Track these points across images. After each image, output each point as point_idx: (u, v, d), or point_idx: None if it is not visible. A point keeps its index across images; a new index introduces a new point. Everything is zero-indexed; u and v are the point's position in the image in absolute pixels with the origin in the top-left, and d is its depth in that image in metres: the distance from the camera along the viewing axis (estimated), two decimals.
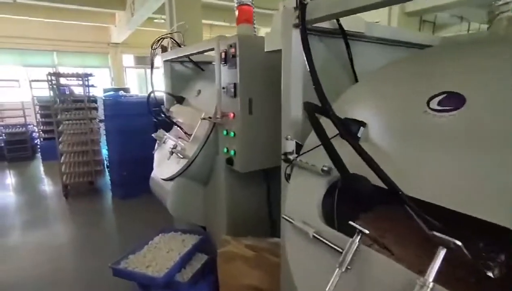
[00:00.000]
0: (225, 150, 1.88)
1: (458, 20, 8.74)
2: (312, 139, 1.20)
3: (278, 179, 2.18)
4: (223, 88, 1.83)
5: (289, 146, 1.21)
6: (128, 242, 3.16)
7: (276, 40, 1.35)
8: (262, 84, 1.78)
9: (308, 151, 1.13)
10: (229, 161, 1.85)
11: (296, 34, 1.23)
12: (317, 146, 1.09)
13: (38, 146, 6.93)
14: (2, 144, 6.48)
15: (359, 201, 0.79)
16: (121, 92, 6.64)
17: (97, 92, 5.88)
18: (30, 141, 6.76)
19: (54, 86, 4.39)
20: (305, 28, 0.95)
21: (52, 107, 4.40)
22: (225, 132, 1.86)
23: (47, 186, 5.03)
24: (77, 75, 4.41)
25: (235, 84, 1.72)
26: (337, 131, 0.87)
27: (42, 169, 6.13)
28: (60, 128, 4.31)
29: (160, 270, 1.91)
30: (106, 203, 4.30)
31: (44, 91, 6.40)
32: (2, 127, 6.52)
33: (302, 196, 1.12)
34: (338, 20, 1.30)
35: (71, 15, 8.53)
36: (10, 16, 8.00)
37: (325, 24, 1.33)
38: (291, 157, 1.19)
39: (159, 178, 2.36)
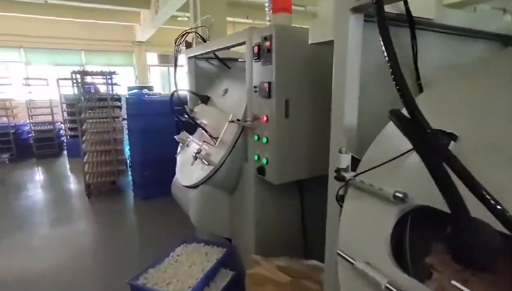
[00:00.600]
0: (256, 157, 1.66)
1: (499, 12, 8.02)
2: (374, 153, 0.96)
3: (314, 191, 1.94)
4: (255, 87, 1.61)
5: (344, 160, 0.97)
6: (149, 246, 3.05)
7: (325, 29, 1.10)
8: (301, 83, 1.54)
9: (371, 169, 0.88)
10: (260, 171, 1.63)
11: (354, 21, 0.98)
12: (388, 161, 0.84)
13: (65, 143, 7.07)
14: (31, 141, 6.65)
15: (476, 257, 0.53)
16: (145, 91, 6.63)
17: (122, 90, 5.89)
18: (57, 139, 6.90)
19: (79, 84, 4.37)
20: (383, 9, 0.70)
21: (76, 105, 4.39)
22: (256, 137, 1.64)
23: (72, 184, 5.06)
24: (101, 73, 4.36)
25: (269, 83, 1.49)
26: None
27: (68, 166, 6.23)
28: (83, 127, 4.28)
29: (182, 289, 1.73)
30: (127, 204, 4.23)
31: (71, 89, 6.52)
32: (32, 125, 6.69)
33: (363, 227, 0.87)
34: (406, 3, 1.04)
35: (98, 14, 8.67)
36: (42, 16, 8.23)
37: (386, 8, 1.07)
38: (346, 175, 0.95)
39: (182, 184, 2.18)
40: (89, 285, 2.51)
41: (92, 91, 5.19)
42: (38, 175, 5.70)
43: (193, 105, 2.59)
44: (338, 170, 0.98)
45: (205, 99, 2.38)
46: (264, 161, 1.60)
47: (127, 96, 4.48)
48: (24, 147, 6.59)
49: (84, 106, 4.32)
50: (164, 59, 11.44)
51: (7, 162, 6.25)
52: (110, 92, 4.39)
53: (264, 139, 1.57)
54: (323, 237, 1.93)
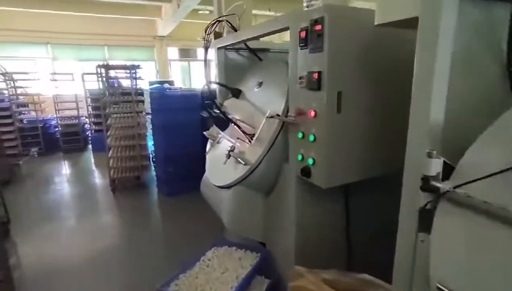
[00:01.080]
0: (300, 157, 1.49)
1: None
2: (477, 157, 0.75)
3: (361, 194, 1.74)
4: (300, 78, 1.42)
5: (434, 166, 0.78)
6: (174, 245, 2.97)
7: (402, 5, 0.90)
8: (355, 72, 1.35)
9: (482, 178, 0.68)
10: (305, 172, 1.45)
11: None
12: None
13: (90, 138, 7.16)
14: (58, 136, 6.78)
15: None
16: (166, 85, 6.58)
17: (144, 85, 5.85)
18: (82, 133, 7.00)
19: (104, 78, 4.34)
20: None
21: (101, 100, 4.36)
22: (300, 135, 1.46)
23: (97, 179, 5.09)
24: (125, 67, 4.31)
25: (319, 73, 1.30)
26: None
27: (92, 160, 6.30)
28: (108, 121, 4.25)
29: None
30: (152, 200, 4.18)
31: (95, 84, 6.58)
32: (59, 119, 6.81)
33: (473, 257, 0.68)
34: None
35: (121, 9, 8.72)
36: (67, 12, 8.36)
37: None
38: (440, 185, 0.75)
39: (213, 184, 2.04)
40: (113, 283, 2.47)
41: (116, 85, 5.17)
42: (65, 169, 5.80)
43: (222, 99, 2.44)
44: (426, 178, 0.78)
45: (237, 93, 2.21)
46: (310, 161, 1.42)
47: (150, 90, 4.41)
48: (51, 140, 6.73)
49: (109, 101, 4.29)
50: (184, 54, 11.42)
51: (36, 156, 6.40)
52: (134, 86, 4.33)
53: (311, 137, 1.39)
54: (372, 247, 1.74)
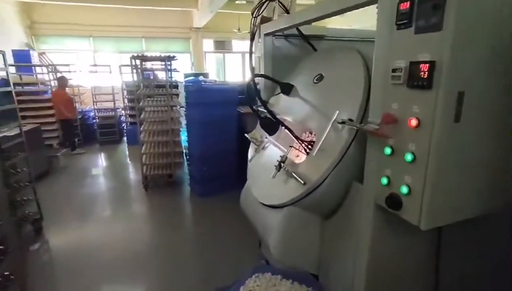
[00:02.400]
0: (385, 180, 1.08)
1: None
2: None
3: (459, 228, 1.29)
4: (394, 71, 1.00)
5: None
6: (205, 253, 2.70)
7: None
8: (488, 63, 0.90)
9: None
10: (393, 202, 1.05)
11: None
12: None
13: (125, 130, 7.17)
14: (96, 128, 6.85)
15: None
16: (201, 78, 6.35)
17: (179, 77, 5.66)
18: (118, 126, 7.01)
19: (138, 70, 4.16)
20: None
21: (135, 93, 4.19)
22: (388, 150, 1.05)
23: (131, 173, 5.02)
24: (160, 59, 4.08)
25: (431, 64, 0.88)
26: None
27: (127, 153, 6.27)
28: (142, 116, 4.08)
29: None
30: (184, 201, 3.96)
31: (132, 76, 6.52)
32: (96, 111, 6.87)
33: None
34: None
35: (159, 1, 8.63)
36: (109, 5, 8.44)
37: None
38: None
39: (258, 200, 1.69)
40: (142, 284, 2.35)
41: (151, 77, 5.01)
42: (101, 162, 5.82)
43: (267, 96, 2.07)
44: None
45: (287, 89, 1.83)
46: (404, 189, 1.00)
47: (186, 83, 4.16)
48: (89, 132, 6.83)
49: (143, 94, 4.11)
50: (219, 46, 11.21)
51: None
52: (169, 78, 4.09)
53: (408, 156, 0.97)
54: None
